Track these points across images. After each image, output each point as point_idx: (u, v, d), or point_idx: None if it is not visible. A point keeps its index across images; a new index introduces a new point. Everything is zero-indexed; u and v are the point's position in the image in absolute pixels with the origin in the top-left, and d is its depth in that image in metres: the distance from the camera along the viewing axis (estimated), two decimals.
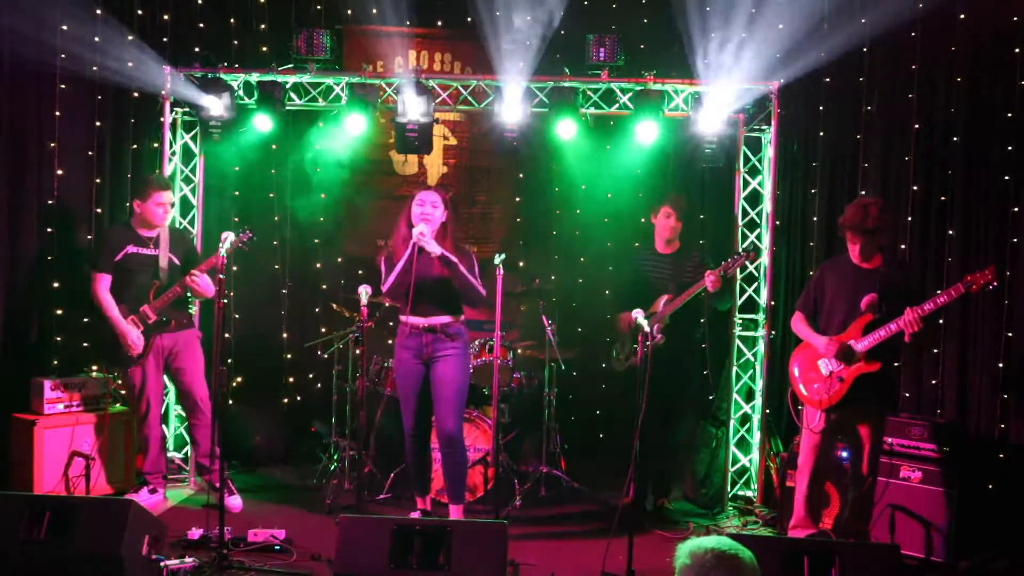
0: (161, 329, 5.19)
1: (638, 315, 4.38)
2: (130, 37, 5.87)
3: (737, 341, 5.80)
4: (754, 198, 5.90)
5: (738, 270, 5.79)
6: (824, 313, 4.62)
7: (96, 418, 5.37)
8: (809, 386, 4.57)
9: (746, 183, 5.89)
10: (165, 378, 5.46)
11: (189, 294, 5.30)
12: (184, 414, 5.80)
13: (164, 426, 5.68)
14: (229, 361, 6.37)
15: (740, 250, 5.54)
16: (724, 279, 5.09)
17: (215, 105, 5.62)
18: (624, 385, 5.45)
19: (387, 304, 5.77)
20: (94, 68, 5.77)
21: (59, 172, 5.65)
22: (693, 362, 5.55)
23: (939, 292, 4.32)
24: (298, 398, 6.71)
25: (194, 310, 5.69)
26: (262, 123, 5.79)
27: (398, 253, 4.68)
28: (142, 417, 5.27)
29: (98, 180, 5.88)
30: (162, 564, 4.03)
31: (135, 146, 6.05)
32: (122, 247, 5.17)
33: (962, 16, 5.47)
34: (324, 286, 6.71)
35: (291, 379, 6.69)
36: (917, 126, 5.62)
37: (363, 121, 5.72)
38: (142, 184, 5.26)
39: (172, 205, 5.34)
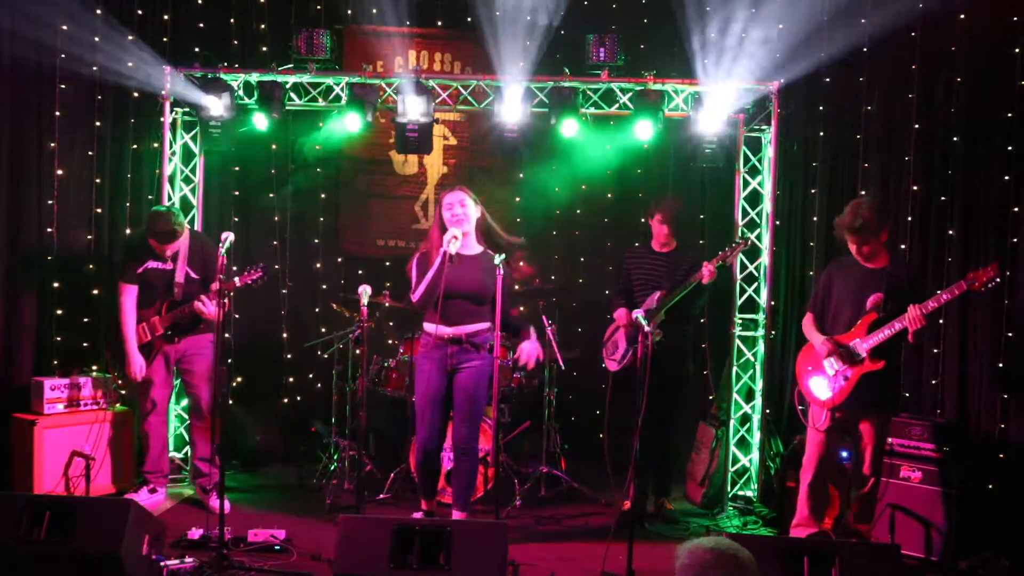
0: (166, 342, 5.20)
1: (638, 315, 4.38)
2: (130, 37, 5.87)
3: (737, 341, 5.80)
4: (754, 198, 5.90)
5: (738, 270, 5.80)
6: (831, 312, 4.62)
7: (97, 418, 5.36)
8: (815, 385, 4.58)
9: (746, 183, 5.89)
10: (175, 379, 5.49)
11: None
12: (184, 414, 5.82)
13: (167, 428, 5.66)
14: (229, 361, 6.37)
15: (736, 239, 5.52)
16: (719, 269, 5.08)
17: (215, 105, 5.63)
18: (624, 384, 5.44)
19: (387, 304, 5.77)
20: (94, 68, 5.77)
21: (59, 172, 5.65)
22: (691, 362, 5.55)
23: (941, 290, 4.32)
24: (298, 398, 6.72)
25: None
26: (262, 123, 5.79)
27: (432, 259, 4.58)
28: (145, 415, 5.29)
29: (98, 180, 5.88)
30: (162, 564, 4.04)
31: (135, 146, 6.06)
32: (144, 261, 5.17)
33: (962, 16, 5.46)
34: (324, 286, 6.71)
35: (291, 379, 6.69)
36: (917, 126, 5.61)
37: (363, 121, 5.73)
38: (152, 225, 5.09)
39: (177, 247, 5.18)
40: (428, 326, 4.65)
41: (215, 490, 5.16)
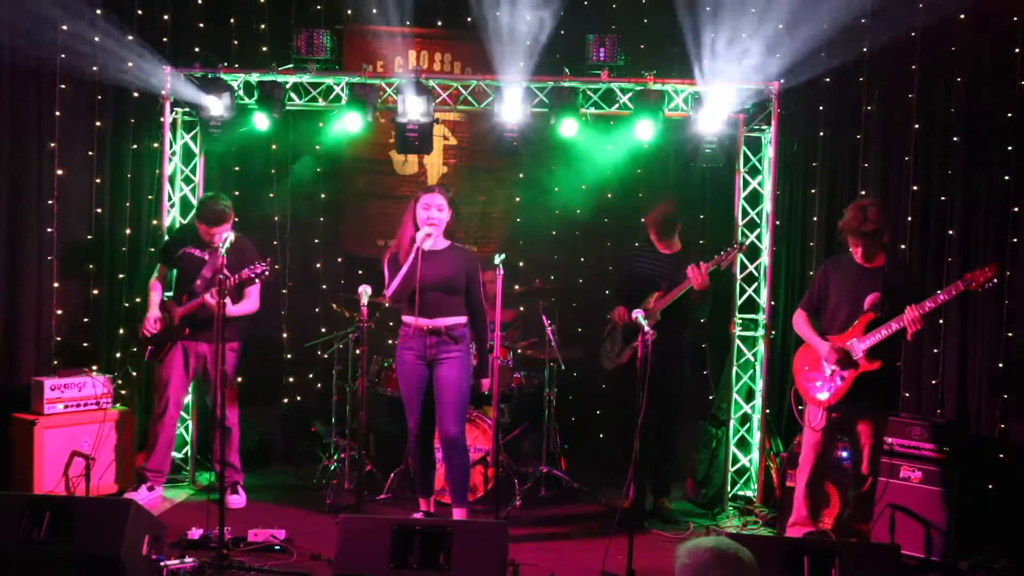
0: (179, 335, 5.24)
1: (638, 315, 4.38)
2: (130, 37, 5.87)
3: (737, 341, 5.79)
4: (754, 198, 5.90)
5: (738, 270, 5.80)
6: (827, 312, 4.62)
7: (96, 418, 5.36)
8: (811, 384, 4.58)
9: (746, 183, 5.89)
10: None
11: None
12: (184, 415, 5.81)
13: (176, 430, 5.65)
14: None
15: (735, 242, 5.52)
16: (712, 276, 5.07)
17: (215, 105, 5.62)
18: (623, 385, 5.45)
19: (387, 304, 5.77)
20: (94, 68, 5.77)
21: (59, 172, 5.65)
22: (689, 362, 5.56)
23: (939, 290, 4.32)
24: (298, 398, 6.72)
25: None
26: (262, 123, 5.79)
27: (403, 255, 4.67)
28: (159, 414, 5.32)
29: (98, 180, 5.88)
30: (162, 564, 4.04)
31: (135, 146, 6.05)
32: (183, 245, 5.31)
33: (962, 16, 5.46)
34: (324, 286, 6.71)
35: (291, 379, 6.69)
36: (917, 126, 5.61)
37: (363, 121, 5.72)
38: (207, 212, 5.25)
39: (220, 231, 5.18)
40: (407, 317, 4.73)
41: (235, 488, 5.30)
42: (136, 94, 5.96)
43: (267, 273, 4.82)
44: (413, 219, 4.70)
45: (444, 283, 4.65)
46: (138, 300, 5.89)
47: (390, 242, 6.81)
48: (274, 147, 6.48)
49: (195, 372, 5.35)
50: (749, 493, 5.78)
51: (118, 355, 5.90)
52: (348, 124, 5.75)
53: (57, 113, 5.62)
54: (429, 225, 4.62)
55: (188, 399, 5.80)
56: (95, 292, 5.86)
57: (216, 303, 4.92)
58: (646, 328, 4.26)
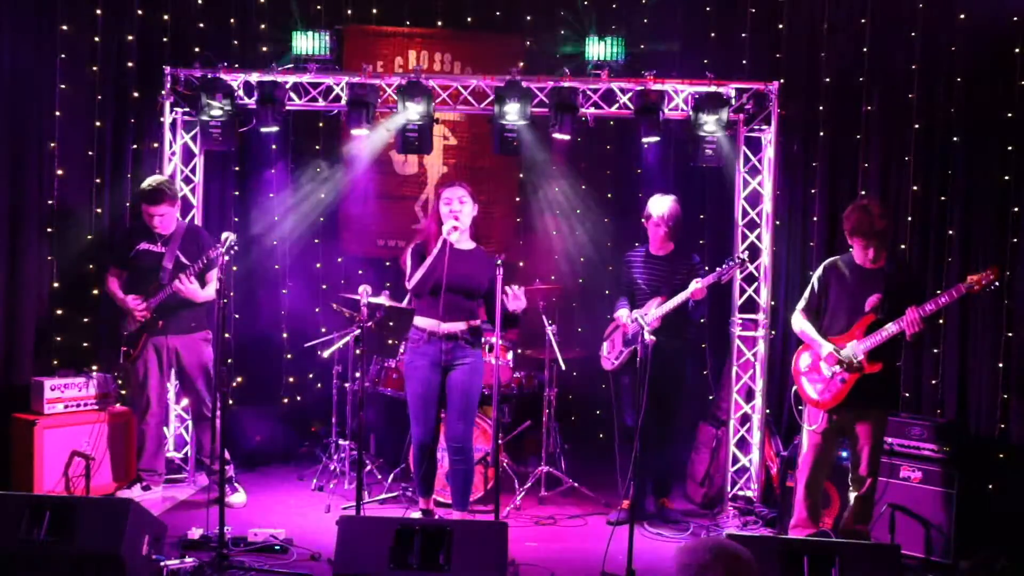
0: (150, 329, 5.20)
1: (639, 316, 4.39)
2: (130, 37, 5.87)
3: (737, 341, 5.79)
4: (754, 198, 5.89)
5: (738, 271, 5.79)
6: (828, 313, 4.61)
7: (97, 417, 5.36)
8: (812, 386, 4.57)
9: (746, 183, 5.88)
10: (171, 378, 5.49)
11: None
12: (184, 414, 5.82)
13: (164, 426, 5.66)
14: (229, 361, 6.36)
15: (736, 256, 5.50)
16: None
17: (215, 105, 5.62)
18: (623, 385, 5.46)
19: (387, 304, 5.76)
20: (94, 68, 5.77)
21: (59, 172, 5.65)
22: (689, 362, 5.55)
23: (940, 292, 4.31)
24: (298, 398, 6.72)
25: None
26: (262, 123, 5.78)
27: (429, 250, 4.63)
28: (141, 413, 5.32)
29: (98, 180, 5.88)
30: (162, 564, 4.04)
31: (135, 146, 6.05)
32: (135, 244, 5.25)
33: (962, 16, 5.47)
34: (324, 286, 6.71)
35: (291, 379, 6.69)
36: (917, 126, 5.62)
37: (363, 121, 5.72)
38: (142, 187, 5.22)
39: (165, 213, 5.20)
40: (420, 320, 4.68)
41: (229, 483, 5.24)
42: (136, 94, 5.96)
43: (234, 245, 4.75)
44: (437, 216, 4.67)
45: (466, 286, 4.62)
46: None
47: (390, 242, 6.88)
48: (274, 147, 6.48)
49: (168, 366, 5.33)
50: (749, 493, 5.77)
51: (123, 349, 5.89)
52: (348, 124, 5.75)
53: (57, 113, 5.62)
54: (454, 218, 4.59)
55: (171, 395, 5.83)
56: (95, 292, 5.86)
57: (185, 287, 5.09)
58: (647, 330, 4.26)
